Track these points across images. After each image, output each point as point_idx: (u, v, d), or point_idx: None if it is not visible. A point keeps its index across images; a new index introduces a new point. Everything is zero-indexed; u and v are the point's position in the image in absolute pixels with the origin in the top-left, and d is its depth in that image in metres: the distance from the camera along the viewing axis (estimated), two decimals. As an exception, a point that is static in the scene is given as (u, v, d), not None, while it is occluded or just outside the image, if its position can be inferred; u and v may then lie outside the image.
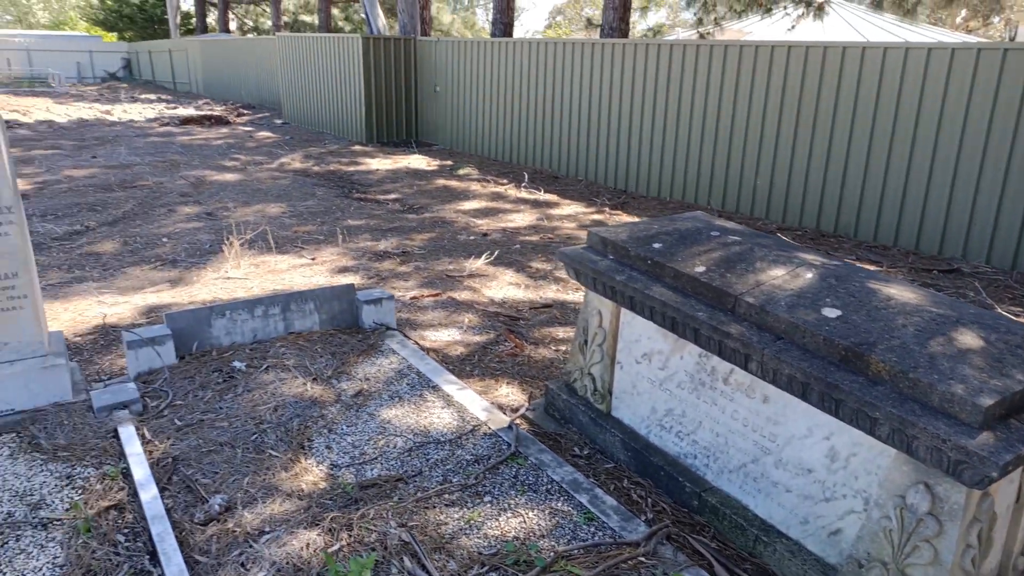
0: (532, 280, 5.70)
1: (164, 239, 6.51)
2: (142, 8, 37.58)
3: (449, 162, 11.34)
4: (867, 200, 7.14)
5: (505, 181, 9.89)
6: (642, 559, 2.40)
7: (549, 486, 2.83)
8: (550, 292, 5.43)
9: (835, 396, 2.13)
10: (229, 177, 9.56)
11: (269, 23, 31.77)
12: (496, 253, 6.35)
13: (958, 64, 6.38)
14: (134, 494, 2.68)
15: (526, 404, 3.57)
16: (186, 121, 15.72)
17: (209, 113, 17.43)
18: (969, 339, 2.15)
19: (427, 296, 5.20)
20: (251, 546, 2.43)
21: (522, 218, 7.86)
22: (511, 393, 3.73)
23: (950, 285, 5.83)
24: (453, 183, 9.74)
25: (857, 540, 2.20)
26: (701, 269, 2.69)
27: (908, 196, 6.84)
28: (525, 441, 3.12)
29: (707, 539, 2.57)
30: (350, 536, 2.47)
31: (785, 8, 15.85)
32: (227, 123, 15.92)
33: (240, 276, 5.52)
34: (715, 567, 2.39)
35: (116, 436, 3.04)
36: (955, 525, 1.95)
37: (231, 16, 33.99)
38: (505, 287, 5.50)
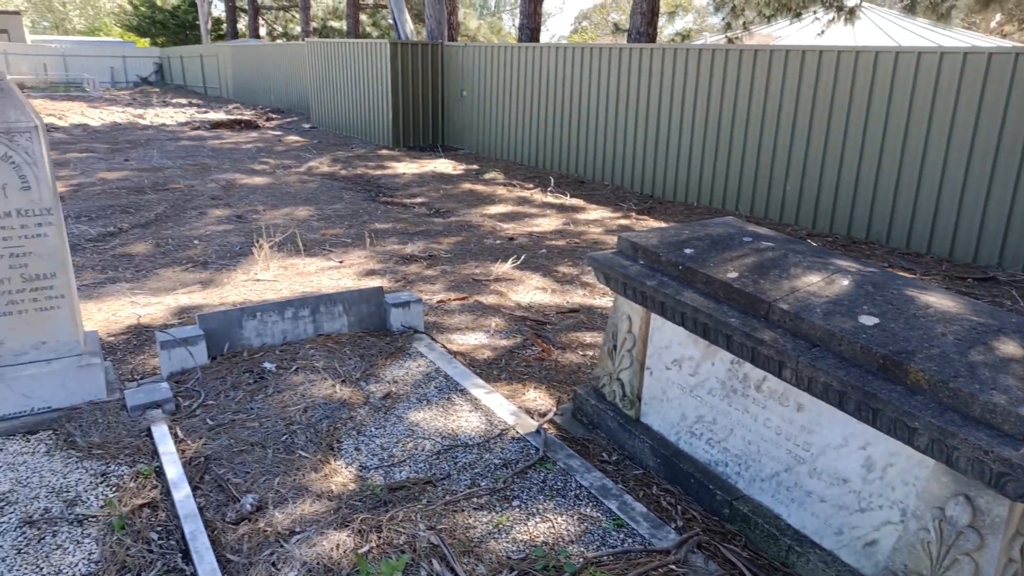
0: (558, 284, 5.69)
1: (195, 241, 6.60)
2: (174, 14, 38.31)
3: (475, 166, 11.37)
4: (900, 206, 7.03)
5: (531, 185, 9.89)
6: (673, 567, 2.37)
7: (578, 491, 2.81)
8: (577, 297, 5.42)
9: (873, 405, 2.10)
10: (258, 180, 9.68)
11: (298, 29, 32.15)
12: (522, 257, 6.35)
13: (995, 69, 6.26)
14: (167, 492, 2.71)
15: (554, 409, 3.56)
16: (216, 125, 15.95)
17: (239, 117, 17.67)
18: (1011, 348, 2.11)
19: (454, 300, 5.21)
20: (282, 546, 2.45)
21: (548, 223, 7.85)
22: (538, 398, 3.72)
23: (986, 293, 5.71)
24: (479, 187, 9.77)
25: (893, 552, 2.16)
26: (734, 275, 2.66)
27: (942, 202, 6.73)
28: (553, 446, 3.11)
29: (738, 548, 2.54)
30: (379, 538, 2.47)
31: (815, 12, 15.70)
32: (256, 127, 16.12)
33: (269, 278, 5.57)
34: (747, 577, 2.36)
35: (149, 435, 3.09)
36: (997, 539, 1.91)
37: (261, 22, 34.49)
38: (531, 291, 5.49)
